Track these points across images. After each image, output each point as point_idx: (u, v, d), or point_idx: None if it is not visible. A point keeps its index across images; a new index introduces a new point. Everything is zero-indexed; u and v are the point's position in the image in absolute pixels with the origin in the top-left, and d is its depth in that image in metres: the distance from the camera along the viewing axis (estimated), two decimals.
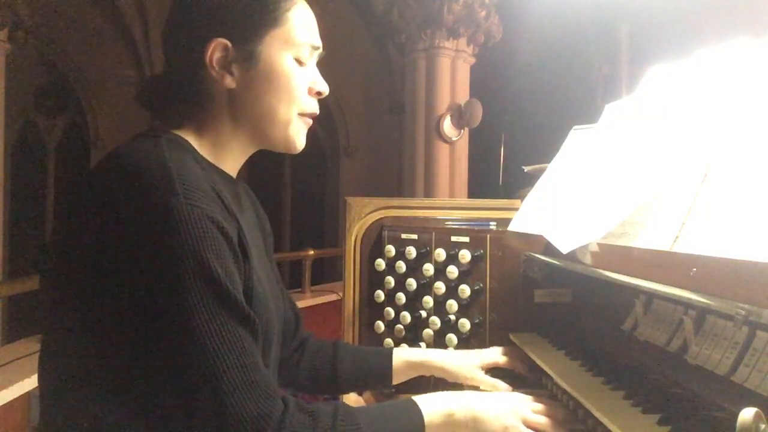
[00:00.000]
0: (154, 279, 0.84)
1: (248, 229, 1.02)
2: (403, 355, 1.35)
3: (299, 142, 1.09)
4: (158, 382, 0.86)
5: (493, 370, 1.37)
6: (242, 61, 1.01)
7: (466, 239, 1.55)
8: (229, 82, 1.01)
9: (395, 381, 1.33)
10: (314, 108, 1.09)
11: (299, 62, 1.05)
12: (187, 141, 1.00)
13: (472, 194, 6.57)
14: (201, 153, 1.02)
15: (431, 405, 1.02)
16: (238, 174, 1.13)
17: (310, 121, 1.10)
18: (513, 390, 1.28)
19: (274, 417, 0.85)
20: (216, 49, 0.99)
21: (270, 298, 1.04)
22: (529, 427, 1.05)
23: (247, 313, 0.88)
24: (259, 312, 0.94)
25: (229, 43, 0.99)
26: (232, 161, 1.08)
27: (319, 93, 1.09)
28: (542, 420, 1.07)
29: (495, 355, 1.39)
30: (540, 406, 1.10)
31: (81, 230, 0.88)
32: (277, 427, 0.85)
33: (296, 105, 1.05)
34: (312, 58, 1.08)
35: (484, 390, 1.30)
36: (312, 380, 1.30)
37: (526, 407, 1.09)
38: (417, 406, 1.01)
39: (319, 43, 1.08)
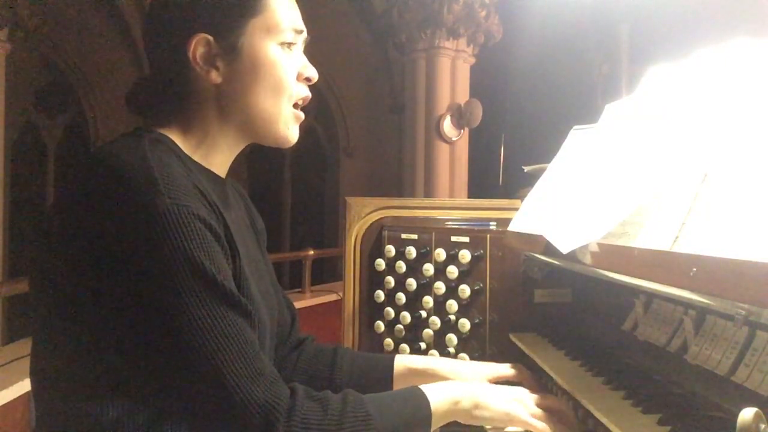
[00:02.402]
0: (146, 279, 0.83)
1: (236, 228, 1.01)
2: (405, 362, 1.30)
3: (291, 134, 1.07)
4: (162, 380, 0.86)
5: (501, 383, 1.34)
6: (226, 54, 0.99)
7: (466, 239, 1.55)
8: (215, 76, 1.00)
9: (396, 388, 1.26)
10: (305, 92, 1.07)
11: (284, 48, 1.03)
12: (171, 140, 0.99)
13: (472, 194, 6.57)
14: (186, 152, 1.00)
15: (437, 393, 1.02)
16: (230, 172, 1.11)
17: (302, 116, 1.08)
18: None
19: (282, 404, 0.85)
20: (198, 45, 0.98)
21: (260, 298, 1.04)
22: (531, 415, 1.05)
23: (243, 304, 0.89)
24: None
25: (210, 38, 0.98)
26: (220, 159, 1.06)
27: (308, 79, 1.07)
28: (543, 411, 1.07)
29: (504, 368, 1.33)
30: (542, 398, 1.10)
31: (68, 233, 0.88)
32: (287, 415, 0.85)
33: (286, 93, 1.04)
34: (297, 44, 1.06)
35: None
36: (308, 384, 1.27)
37: (529, 397, 1.09)
38: (424, 394, 1.01)
39: (302, 26, 1.06)
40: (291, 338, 1.29)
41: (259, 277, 1.11)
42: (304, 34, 1.07)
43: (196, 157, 1.02)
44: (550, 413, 1.07)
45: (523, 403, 1.07)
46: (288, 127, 1.06)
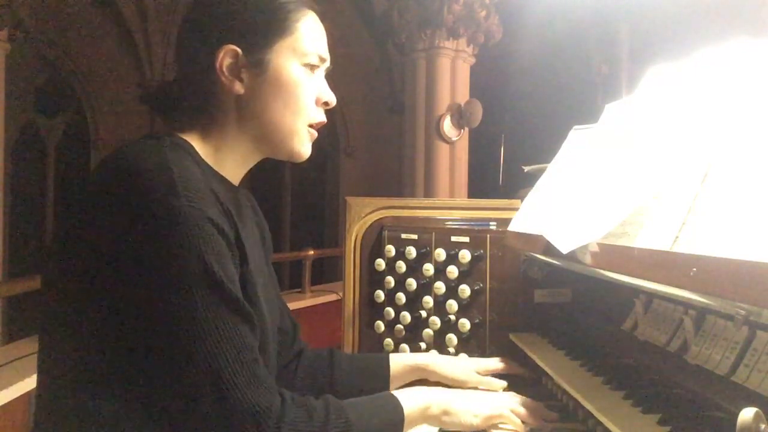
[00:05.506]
0: (155, 278, 0.85)
1: (246, 236, 1.03)
2: (400, 360, 1.36)
3: (304, 150, 1.11)
4: (160, 379, 0.87)
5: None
6: (252, 67, 1.03)
7: (466, 239, 1.55)
8: (238, 87, 1.03)
9: (393, 386, 1.33)
10: (321, 117, 1.12)
11: (307, 71, 1.07)
12: (190, 145, 1.02)
13: (472, 194, 6.57)
14: (203, 158, 1.03)
15: (410, 399, 1.08)
16: (240, 181, 1.14)
17: (316, 134, 1.13)
18: (509, 389, 1.33)
19: (273, 410, 0.87)
20: (226, 56, 1.02)
21: (265, 307, 1.06)
22: (507, 418, 1.12)
23: (246, 310, 0.90)
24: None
25: (239, 50, 1.02)
26: (234, 168, 1.09)
27: (326, 103, 1.12)
28: (522, 411, 1.14)
29: (493, 362, 1.41)
30: (524, 402, 1.17)
31: (83, 230, 0.90)
32: (276, 421, 0.87)
33: (304, 114, 1.08)
34: (320, 70, 1.11)
35: (482, 390, 1.33)
36: (310, 389, 1.29)
37: (506, 402, 1.16)
38: (398, 400, 1.06)
39: (326, 54, 1.11)
40: (293, 348, 1.32)
41: (264, 286, 1.12)
42: (328, 63, 1.12)
43: (210, 163, 1.05)
44: (530, 411, 1.14)
45: (495, 405, 1.14)
46: (302, 144, 1.10)
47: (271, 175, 9.78)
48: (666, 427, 0.84)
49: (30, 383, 2.82)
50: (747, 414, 0.61)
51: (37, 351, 0.97)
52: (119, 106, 9.12)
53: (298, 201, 10.07)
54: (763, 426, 0.60)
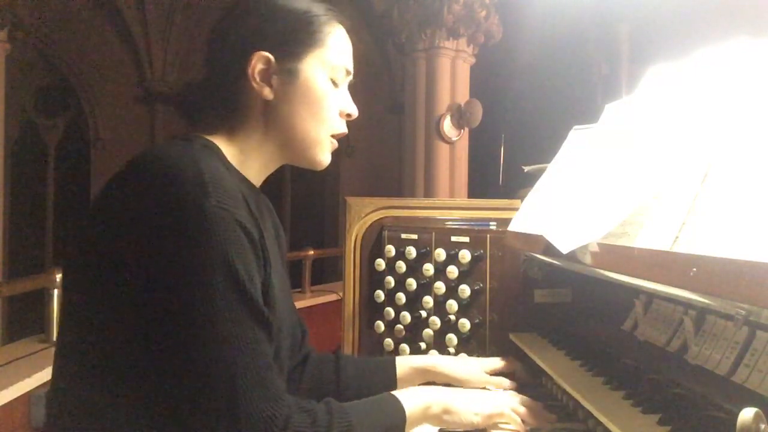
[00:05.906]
0: (180, 277, 0.85)
1: (267, 238, 1.03)
2: (406, 362, 1.35)
3: (325, 159, 1.13)
4: (175, 378, 0.88)
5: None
6: (283, 75, 1.05)
7: (466, 239, 1.55)
8: (267, 93, 1.05)
9: (399, 388, 1.31)
10: (343, 129, 1.14)
11: (333, 84, 1.10)
12: (217, 147, 1.04)
13: (472, 194, 6.56)
14: (229, 159, 1.05)
15: (411, 399, 1.08)
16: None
17: (336, 144, 1.14)
18: (516, 387, 1.33)
19: (281, 417, 0.88)
20: (259, 62, 1.04)
21: (282, 309, 1.06)
22: (507, 417, 1.13)
23: (265, 316, 0.91)
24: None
25: (272, 57, 1.04)
26: (256, 171, 1.11)
27: (348, 115, 1.14)
28: (522, 411, 1.14)
29: (495, 362, 1.41)
30: (524, 401, 1.17)
31: (110, 227, 0.90)
32: (282, 427, 0.87)
33: (327, 125, 1.10)
34: (345, 82, 1.14)
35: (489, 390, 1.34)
36: (316, 393, 1.28)
37: (507, 401, 1.16)
38: (398, 400, 1.07)
39: (352, 68, 1.14)
40: (300, 352, 1.32)
41: (281, 289, 1.12)
42: (351, 76, 1.15)
43: (235, 166, 1.06)
44: (530, 411, 1.15)
45: (495, 404, 1.15)
46: (323, 153, 1.13)
47: (271, 175, 9.77)
48: (666, 427, 0.84)
49: (30, 383, 2.82)
50: (747, 414, 0.61)
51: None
52: (119, 106, 9.12)
53: (298, 201, 10.07)
54: (763, 426, 0.61)
